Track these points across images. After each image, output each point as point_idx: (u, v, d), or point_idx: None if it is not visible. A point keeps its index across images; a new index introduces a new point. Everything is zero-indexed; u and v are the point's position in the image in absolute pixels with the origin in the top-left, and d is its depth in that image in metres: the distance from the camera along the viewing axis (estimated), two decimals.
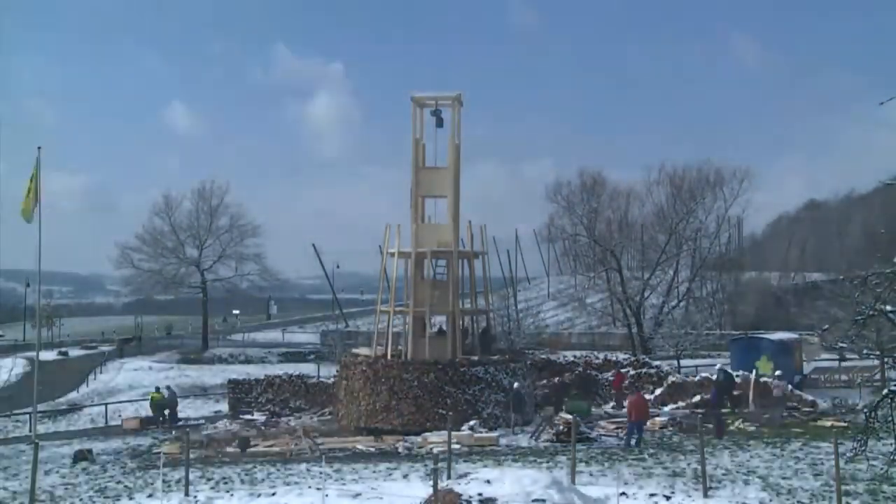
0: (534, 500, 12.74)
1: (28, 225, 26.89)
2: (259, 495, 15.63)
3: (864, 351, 25.87)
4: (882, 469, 16.01)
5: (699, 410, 28.96)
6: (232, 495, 16.16)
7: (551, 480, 13.66)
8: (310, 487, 16.41)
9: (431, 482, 13.51)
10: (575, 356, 37.97)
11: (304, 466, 20.20)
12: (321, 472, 17.91)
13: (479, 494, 12.95)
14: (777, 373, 30.51)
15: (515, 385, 27.77)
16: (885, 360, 30.05)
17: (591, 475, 17.31)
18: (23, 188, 27.29)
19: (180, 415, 34.37)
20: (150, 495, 16.67)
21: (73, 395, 45.45)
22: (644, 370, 35.01)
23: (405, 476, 18.08)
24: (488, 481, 13.40)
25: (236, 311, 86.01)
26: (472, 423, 25.99)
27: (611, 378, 34.18)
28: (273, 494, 15.66)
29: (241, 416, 32.92)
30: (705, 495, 14.98)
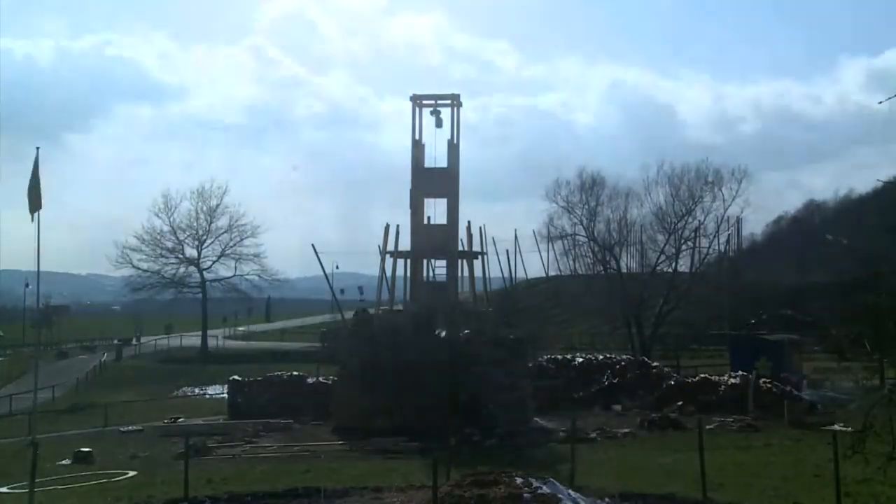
0: (533, 500, 12.73)
1: (29, 225, 27.01)
2: (261, 495, 15.65)
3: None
4: (880, 469, 15.98)
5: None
6: (232, 494, 16.18)
7: (550, 481, 13.66)
8: (308, 487, 16.44)
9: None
10: (576, 356, 38.01)
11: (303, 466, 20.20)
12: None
13: (479, 495, 12.94)
14: None
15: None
16: (884, 360, 30.01)
17: (591, 475, 17.30)
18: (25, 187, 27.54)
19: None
20: (149, 495, 16.68)
21: (72, 395, 45.48)
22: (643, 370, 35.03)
23: (404, 476, 18.08)
24: (484, 482, 13.39)
25: (236, 312, 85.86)
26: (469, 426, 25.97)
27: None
28: (274, 494, 15.68)
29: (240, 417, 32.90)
30: (705, 495, 14.99)
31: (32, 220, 27.07)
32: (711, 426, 24.92)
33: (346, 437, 26.27)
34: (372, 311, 29.63)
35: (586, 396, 33.63)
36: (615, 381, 34.37)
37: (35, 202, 27.18)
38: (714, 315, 65.04)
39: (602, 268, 57.53)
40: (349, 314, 69.02)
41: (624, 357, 38.51)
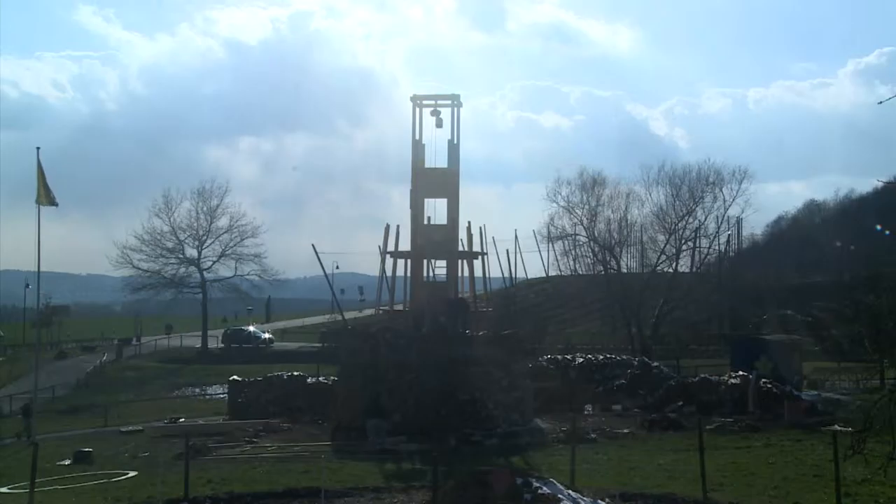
0: (533, 500, 12.73)
1: (28, 225, 28.02)
2: (261, 495, 15.66)
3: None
4: (880, 469, 16.00)
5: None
6: (232, 494, 16.19)
7: (550, 481, 13.66)
8: (308, 487, 16.44)
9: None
10: (576, 356, 38.01)
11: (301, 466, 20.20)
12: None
13: (479, 495, 12.94)
14: None
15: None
16: (884, 360, 30.02)
17: (591, 475, 17.32)
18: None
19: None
20: (149, 496, 16.68)
21: (72, 395, 45.50)
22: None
23: (404, 476, 18.09)
24: (484, 482, 13.38)
25: (235, 313, 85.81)
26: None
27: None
28: (274, 494, 15.69)
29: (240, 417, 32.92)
30: (705, 495, 15.00)
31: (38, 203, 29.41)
32: (711, 426, 24.92)
33: (346, 437, 26.25)
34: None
35: (592, 396, 33.55)
36: (623, 382, 34.40)
37: (45, 197, 28.82)
38: (714, 315, 65.07)
39: (602, 268, 57.55)
40: (349, 314, 69.57)
41: (624, 357, 38.56)
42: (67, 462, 23.57)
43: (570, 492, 13.60)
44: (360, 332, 32.36)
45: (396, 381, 27.32)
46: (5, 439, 31.43)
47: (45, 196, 29.55)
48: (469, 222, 30.62)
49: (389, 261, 30.55)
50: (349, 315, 68.63)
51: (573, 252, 61.99)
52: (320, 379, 35.46)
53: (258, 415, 32.58)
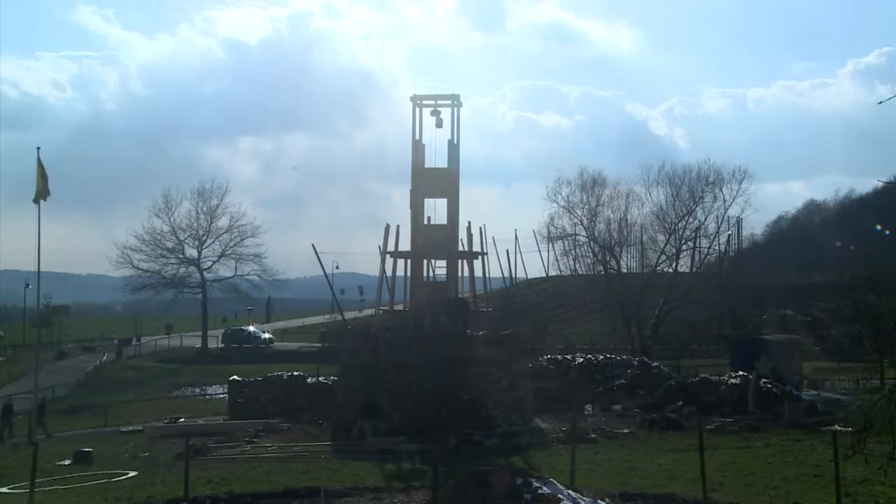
0: (533, 500, 12.73)
1: (28, 225, 28.45)
2: (261, 495, 15.66)
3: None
4: (880, 469, 16.00)
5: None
6: (232, 494, 16.19)
7: (550, 481, 13.67)
8: (308, 487, 16.44)
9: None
10: (576, 356, 38.01)
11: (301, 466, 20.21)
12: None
13: (479, 495, 12.94)
14: None
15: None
16: (884, 360, 30.06)
17: (591, 475, 17.32)
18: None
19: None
20: (149, 496, 16.69)
21: (72, 395, 45.50)
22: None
23: (404, 476, 18.08)
24: (484, 482, 13.38)
25: (235, 313, 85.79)
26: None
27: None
28: (274, 494, 15.70)
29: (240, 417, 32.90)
30: (705, 495, 15.00)
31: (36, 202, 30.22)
32: (711, 426, 24.92)
33: (346, 437, 26.26)
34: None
35: (592, 396, 33.57)
36: (623, 382, 34.41)
37: (42, 192, 29.97)
38: (714, 315, 65.06)
39: (602, 268, 57.54)
40: (349, 314, 69.56)
41: (624, 357, 38.57)
42: (67, 462, 23.57)
43: (570, 492, 13.59)
44: (360, 332, 32.40)
45: (396, 381, 27.30)
46: (10, 439, 31.42)
47: (42, 194, 30.09)
48: (469, 222, 30.66)
49: (389, 261, 30.56)
50: (349, 315, 68.51)
51: (573, 252, 61.99)
52: (320, 379, 35.45)
53: (258, 415, 32.58)
